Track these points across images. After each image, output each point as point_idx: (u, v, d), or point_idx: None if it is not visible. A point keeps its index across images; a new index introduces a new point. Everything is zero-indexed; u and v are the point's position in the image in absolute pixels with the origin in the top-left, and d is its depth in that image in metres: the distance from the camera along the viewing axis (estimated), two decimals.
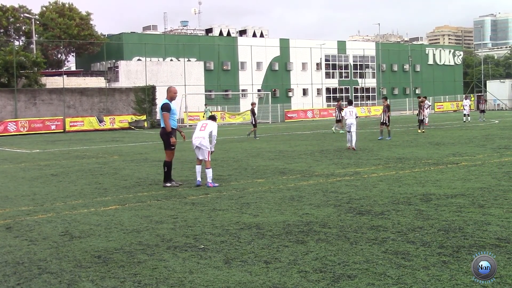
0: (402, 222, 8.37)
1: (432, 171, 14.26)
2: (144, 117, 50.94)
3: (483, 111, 44.84)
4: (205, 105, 56.03)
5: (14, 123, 44.76)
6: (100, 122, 48.71)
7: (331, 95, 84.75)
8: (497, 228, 7.81)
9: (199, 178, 12.79)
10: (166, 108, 12.87)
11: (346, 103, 27.17)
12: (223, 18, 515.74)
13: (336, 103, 37.49)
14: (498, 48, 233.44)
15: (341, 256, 6.67)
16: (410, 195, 10.67)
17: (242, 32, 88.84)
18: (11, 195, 12.43)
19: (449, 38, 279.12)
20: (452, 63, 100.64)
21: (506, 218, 8.42)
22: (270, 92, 67.21)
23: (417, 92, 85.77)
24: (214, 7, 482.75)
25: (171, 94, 13.22)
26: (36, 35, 64.39)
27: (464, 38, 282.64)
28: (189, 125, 53.16)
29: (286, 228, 8.26)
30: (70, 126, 47.08)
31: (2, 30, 65.74)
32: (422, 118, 31.10)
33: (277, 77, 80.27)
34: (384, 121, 26.46)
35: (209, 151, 12.70)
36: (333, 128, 33.80)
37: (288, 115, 60.89)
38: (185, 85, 57.46)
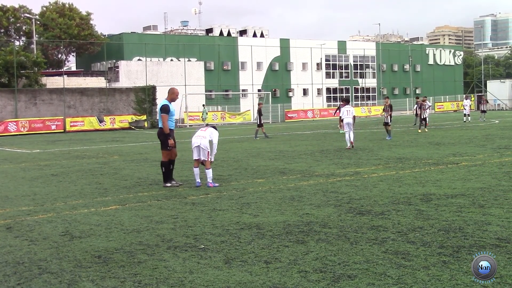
0: (402, 222, 8.37)
1: (432, 171, 14.26)
2: (144, 117, 50.96)
3: (484, 111, 44.85)
4: (203, 105, 56.03)
5: (15, 123, 44.77)
6: (100, 122, 48.72)
7: (332, 95, 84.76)
8: (497, 228, 7.81)
9: (198, 180, 12.77)
10: (165, 110, 12.82)
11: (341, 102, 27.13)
12: (223, 18, 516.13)
13: (342, 103, 37.58)
14: (498, 48, 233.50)
15: (341, 256, 6.67)
16: (410, 195, 10.67)
17: (243, 32, 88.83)
18: (11, 195, 12.44)
19: (450, 38, 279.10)
20: (452, 63, 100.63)
21: (507, 218, 8.42)
22: (270, 92, 67.24)
23: (417, 92, 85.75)
24: (214, 7, 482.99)
25: (173, 96, 13.18)
26: (37, 35, 64.40)
27: (464, 38, 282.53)
28: (189, 125, 53.18)
29: (286, 228, 8.26)
30: (71, 126, 47.10)
31: (2, 30, 65.75)
32: (424, 118, 31.22)
33: (278, 77, 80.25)
34: (387, 121, 26.60)
35: (208, 151, 12.67)
36: (340, 129, 33.85)
37: (289, 115, 60.90)
38: (185, 85, 57.47)
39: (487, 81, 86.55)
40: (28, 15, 64.67)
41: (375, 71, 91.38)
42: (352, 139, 21.77)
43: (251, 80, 74.29)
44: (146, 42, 65.86)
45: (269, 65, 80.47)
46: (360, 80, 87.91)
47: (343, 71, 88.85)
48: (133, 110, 52.29)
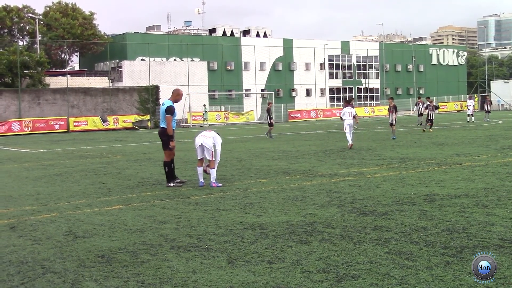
0: (406, 223, 8.36)
1: (436, 171, 14.24)
2: (147, 117, 50.99)
3: (488, 111, 44.77)
4: (204, 105, 56.06)
5: (18, 123, 44.84)
6: (103, 122, 48.78)
7: (335, 95, 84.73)
8: (501, 229, 7.79)
9: (201, 180, 12.78)
10: (171, 111, 12.86)
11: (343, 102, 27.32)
12: (227, 18, 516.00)
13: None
14: (502, 48, 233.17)
15: (344, 256, 6.67)
16: (413, 196, 10.66)
17: (246, 32, 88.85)
18: (15, 195, 12.46)
19: (453, 38, 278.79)
20: (456, 63, 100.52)
21: (510, 219, 8.41)
22: (273, 92, 67.25)
23: (420, 92, 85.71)
24: (217, 7, 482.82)
25: (178, 97, 13.23)
26: (40, 35, 64.54)
27: (468, 38, 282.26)
28: (193, 125, 53.20)
29: (290, 228, 8.26)
30: (74, 126, 47.16)
31: (6, 30, 65.91)
32: (431, 118, 31.39)
33: (281, 77, 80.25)
34: (392, 122, 26.73)
35: (212, 151, 12.66)
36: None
37: (292, 115, 60.86)
38: (188, 85, 57.51)
39: (491, 81, 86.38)
40: (31, 15, 64.80)
41: (378, 71, 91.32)
42: (351, 141, 21.93)
43: (254, 80, 74.31)
44: (149, 42, 65.94)
45: (272, 65, 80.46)
46: (363, 80, 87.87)
47: (346, 71, 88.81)
48: (136, 110, 52.33)
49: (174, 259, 6.79)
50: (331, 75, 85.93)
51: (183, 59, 68.76)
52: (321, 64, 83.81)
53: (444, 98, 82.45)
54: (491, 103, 50.29)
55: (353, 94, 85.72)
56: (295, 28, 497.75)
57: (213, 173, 12.65)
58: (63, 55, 70.05)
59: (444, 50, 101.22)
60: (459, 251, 6.75)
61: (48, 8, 69.72)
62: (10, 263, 6.88)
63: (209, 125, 52.56)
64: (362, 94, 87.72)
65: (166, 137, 13.02)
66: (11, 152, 26.29)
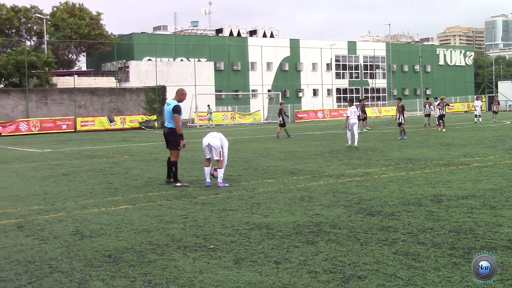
0: (413, 223, 8.34)
1: (443, 172, 14.20)
2: (154, 117, 51.08)
3: (495, 112, 44.61)
4: (208, 105, 56.12)
5: (26, 123, 45.02)
6: (110, 122, 48.91)
7: (342, 95, 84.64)
8: (509, 230, 7.76)
9: (208, 180, 12.79)
10: (178, 110, 12.98)
11: (347, 103, 27.70)
12: (233, 18, 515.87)
13: (359, 103, 37.90)
14: (509, 48, 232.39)
15: (351, 257, 6.66)
16: (420, 196, 10.63)
17: (252, 33, 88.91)
18: (22, 194, 12.50)
19: (460, 39, 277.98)
20: (463, 63, 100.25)
21: None
22: (280, 93, 67.29)
23: (427, 92, 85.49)
24: (224, 8, 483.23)
25: (182, 97, 13.33)
26: (47, 35, 64.76)
27: (475, 39, 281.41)
28: (199, 125, 53.24)
29: (296, 228, 8.25)
30: (81, 125, 47.32)
31: (13, 30, 66.14)
32: (441, 114, 31.81)
33: (287, 78, 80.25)
34: (400, 122, 26.83)
35: (220, 151, 12.68)
36: (363, 129, 33.95)
37: (299, 116, 60.82)
38: (195, 85, 57.59)
39: (498, 82, 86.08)
40: (39, 15, 65.03)
41: (385, 71, 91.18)
42: (356, 143, 22.29)
43: (261, 80, 74.33)
44: (156, 42, 66.06)
45: (279, 66, 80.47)
46: (370, 80, 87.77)
47: (353, 71, 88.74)
48: (143, 110, 52.45)
49: (180, 259, 6.80)
50: (338, 76, 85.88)
51: (189, 59, 68.85)
52: (328, 65, 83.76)
53: (451, 98, 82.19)
54: (499, 104, 50.07)
55: (359, 95, 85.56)
56: (302, 29, 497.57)
57: (220, 173, 12.66)
58: (70, 55, 70.24)
59: (451, 51, 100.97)
60: (467, 252, 6.73)
61: (55, 8, 69.95)
62: (18, 262, 6.91)
63: (215, 125, 52.60)
64: (369, 95, 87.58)
65: (174, 137, 13.07)
66: (19, 151, 26.39)
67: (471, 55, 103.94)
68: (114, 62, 64.26)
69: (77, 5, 70.21)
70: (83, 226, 8.90)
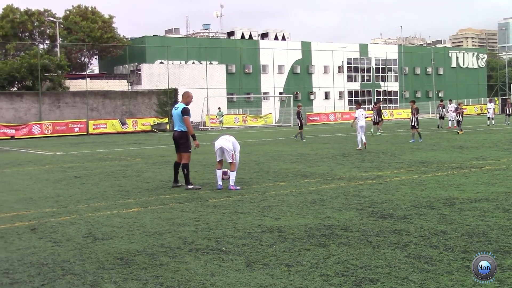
0: (425, 226, 8.30)
1: (455, 175, 14.13)
2: (166, 120, 51.19)
3: (508, 115, 44.31)
4: (219, 108, 56.19)
5: (39, 126, 45.31)
6: (122, 125, 49.10)
7: (353, 98, 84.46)
8: None
9: (220, 182, 12.81)
10: (187, 112, 13.06)
11: (355, 106, 27.94)
12: (245, 21, 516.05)
13: (375, 105, 37.88)
14: None
15: (363, 260, 6.64)
16: (433, 199, 10.58)
17: (264, 35, 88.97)
18: (35, 197, 12.57)
19: (473, 41, 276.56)
20: (475, 66, 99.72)
21: None
22: (292, 95, 67.21)
23: (440, 95, 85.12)
24: (236, 11, 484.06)
25: (188, 100, 13.47)
26: (60, 39, 65.16)
27: (488, 41, 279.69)
28: (211, 128, 53.32)
29: (308, 231, 8.24)
30: (93, 128, 47.54)
31: (27, 34, 66.62)
32: (459, 120, 32.16)
33: (299, 80, 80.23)
34: (414, 124, 26.77)
35: (233, 153, 12.71)
36: (372, 131, 33.91)
37: (310, 118, 60.76)
38: (207, 88, 57.70)
39: (511, 84, 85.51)
40: (52, 19, 65.47)
41: (397, 74, 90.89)
42: (364, 140, 22.86)
43: (272, 83, 74.33)
44: (168, 45, 66.30)
45: (290, 68, 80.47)
46: (382, 83, 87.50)
47: (365, 74, 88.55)
48: (155, 113, 52.61)
49: (192, 262, 6.81)
50: (349, 78, 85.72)
51: (201, 62, 69.01)
52: (339, 67, 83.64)
53: (464, 101, 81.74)
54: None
55: (371, 97, 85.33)
56: (313, 31, 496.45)
57: (232, 175, 12.68)
58: (83, 58, 70.67)
59: (463, 53, 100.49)
60: None
61: (68, 12, 70.40)
62: (31, 265, 6.95)
63: (226, 128, 52.62)
64: (381, 97, 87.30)
65: (184, 140, 13.13)
66: (32, 154, 26.56)
67: (484, 57, 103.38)
68: (126, 65, 64.55)
69: (90, 9, 70.62)
70: (96, 228, 8.94)
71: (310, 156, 20.47)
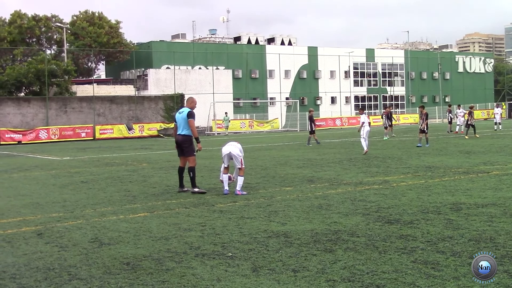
0: (432, 232, 8.27)
1: (462, 180, 14.08)
2: (173, 125, 51.16)
3: None
4: (225, 113, 56.24)
5: (46, 131, 45.45)
6: (129, 130, 49.20)
7: (360, 103, 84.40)
8: None
9: (226, 187, 12.82)
10: (193, 115, 13.21)
11: (359, 111, 28.03)
12: (251, 26, 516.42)
13: (384, 110, 37.90)
14: None
15: (369, 265, 6.62)
16: (439, 204, 10.54)
17: (270, 40, 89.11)
18: (42, 202, 12.61)
19: (480, 46, 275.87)
20: (482, 70, 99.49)
21: None
22: (298, 100, 67.21)
23: (447, 100, 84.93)
24: (242, 16, 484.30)
25: (193, 105, 13.63)
26: (67, 44, 65.42)
27: (495, 46, 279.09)
28: (217, 133, 53.34)
29: (314, 236, 8.23)
30: (100, 133, 47.65)
31: (34, 39, 66.92)
32: (472, 124, 32.47)
33: (305, 85, 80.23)
34: (423, 129, 26.75)
35: (241, 159, 12.74)
36: (386, 137, 33.94)
37: (317, 123, 60.58)
38: (213, 93, 57.77)
39: None
40: (59, 24, 65.76)
41: (404, 79, 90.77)
42: (367, 148, 23.07)
43: (279, 88, 74.38)
44: (174, 51, 66.44)
45: (297, 73, 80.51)
46: (388, 88, 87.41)
47: (372, 79, 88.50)
48: (161, 118, 52.71)
49: (198, 267, 6.81)
50: (356, 83, 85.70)
51: (208, 67, 69.14)
52: (346, 72, 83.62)
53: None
54: None
55: (377, 102, 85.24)
56: (319, 36, 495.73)
57: (240, 180, 12.69)
58: (89, 64, 70.90)
59: (470, 58, 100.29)
60: None
61: (75, 17, 70.69)
62: (37, 269, 6.96)
63: (234, 133, 52.64)
64: (388, 102, 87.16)
65: (188, 143, 13.22)
66: (39, 159, 26.63)
67: (491, 62, 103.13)
68: (133, 70, 64.74)
69: (97, 14, 70.88)
70: (102, 233, 8.95)
71: (316, 161, 20.45)
